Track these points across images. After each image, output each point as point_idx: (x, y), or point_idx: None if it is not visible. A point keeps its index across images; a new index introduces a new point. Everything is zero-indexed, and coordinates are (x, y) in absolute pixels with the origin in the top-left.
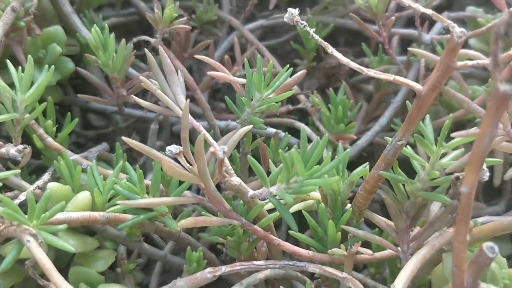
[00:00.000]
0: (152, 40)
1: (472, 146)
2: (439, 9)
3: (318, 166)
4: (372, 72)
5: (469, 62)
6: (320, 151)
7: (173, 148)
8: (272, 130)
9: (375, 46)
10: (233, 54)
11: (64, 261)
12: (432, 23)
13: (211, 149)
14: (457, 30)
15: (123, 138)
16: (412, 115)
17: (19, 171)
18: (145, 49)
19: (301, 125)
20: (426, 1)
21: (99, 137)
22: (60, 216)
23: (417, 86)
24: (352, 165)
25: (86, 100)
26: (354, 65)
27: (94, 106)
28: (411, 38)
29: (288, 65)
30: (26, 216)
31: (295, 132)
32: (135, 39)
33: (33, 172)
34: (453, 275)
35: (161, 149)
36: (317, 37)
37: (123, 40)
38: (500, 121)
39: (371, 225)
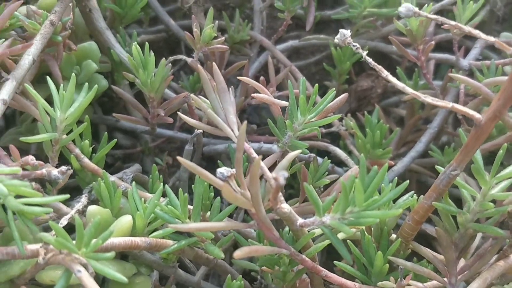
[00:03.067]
0: (188, 59)
1: None
2: (466, 37)
3: (376, 197)
4: (429, 99)
5: None
6: (380, 180)
7: (224, 171)
8: (305, 155)
9: (405, 70)
10: (263, 74)
11: None
12: (467, 49)
13: (272, 174)
14: None
15: (179, 158)
16: (469, 145)
17: (68, 196)
18: (198, 66)
19: (336, 149)
20: (466, 25)
21: (126, 156)
22: (104, 242)
23: (477, 115)
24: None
25: (119, 119)
26: (409, 90)
27: (122, 125)
28: (443, 63)
29: (333, 89)
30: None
31: (324, 156)
32: (171, 58)
33: (63, 191)
34: None
35: None
36: (370, 60)
37: (163, 60)
38: None
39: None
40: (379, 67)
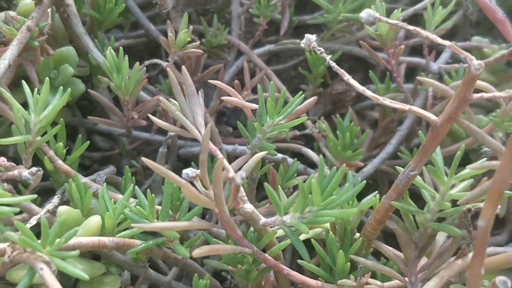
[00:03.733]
0: (164, 63)
1: (492, 179)
2: (443, 38)
3: (334, 196)
4: (387, 101)
5: (485, 95)
6: (337, 181)
7: (190, 172)
8: (279, 156)
9: (380, 73)
10: (241, 77)
11: (68, 286)
12: (438, 52)
13: (229, 174)
14: (475, 62)
15: (143, 159)
16: (426, 146)
17: (35, 196)
18: (168, 69)
19: (308, 151)
20: (435, 31)
21: (104, 159)
22: (71, 241)
23: (432, 117)
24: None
25: (95, 122)
26: (369, 93)
27: (100, 127)
28: (416, 66)
29: (300, 92)
30: (39, 241)
31: (299, 157)
32: (146, 62)
33: (38, 193)
34: None
35: None
36: (333, 64)
37: (137, 64)
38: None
39: (375, 254)
40: (341, 71)
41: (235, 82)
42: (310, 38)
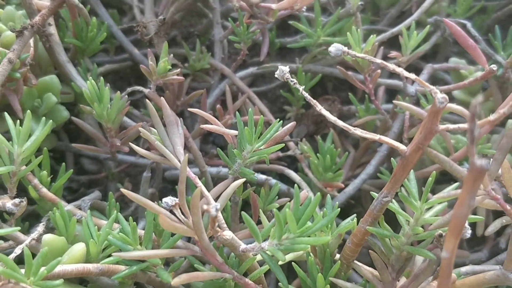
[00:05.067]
0: (146, 90)
1: (452, 213)
2: (424, 57)
3: (310, 223)
4: (358, 131)
5: (451, 126)
6: (313, 209)
7: (169, 200)
8: (262, 177)
9: (362, 93)
10: (224, 99)
11: None
12: (417, 74)
13: (205, 206)
14: (439, 96)
15: (121, 189)
16: (397, 173)
17: (19, 228)
18: (147, 101)
19: (291, 172)
20: (412, 54)
21: (91, 182)
22: (56, 269)
23: (401, 147)
24: (340, 211)
25: (79, 149)
26: (341, 123)
27: (87, 152)
28: (394, 89)
29: (279, 119)
30: (23, 271)
31: (285, 178)
32: (129, 89)
33: (25, 219)
34: None
35: (153, 196)
36: (306, 94)
37: (118, 93)
38: (482, 183)
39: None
40: (313, 102)
41: (217, 107)
42: (284, 70)
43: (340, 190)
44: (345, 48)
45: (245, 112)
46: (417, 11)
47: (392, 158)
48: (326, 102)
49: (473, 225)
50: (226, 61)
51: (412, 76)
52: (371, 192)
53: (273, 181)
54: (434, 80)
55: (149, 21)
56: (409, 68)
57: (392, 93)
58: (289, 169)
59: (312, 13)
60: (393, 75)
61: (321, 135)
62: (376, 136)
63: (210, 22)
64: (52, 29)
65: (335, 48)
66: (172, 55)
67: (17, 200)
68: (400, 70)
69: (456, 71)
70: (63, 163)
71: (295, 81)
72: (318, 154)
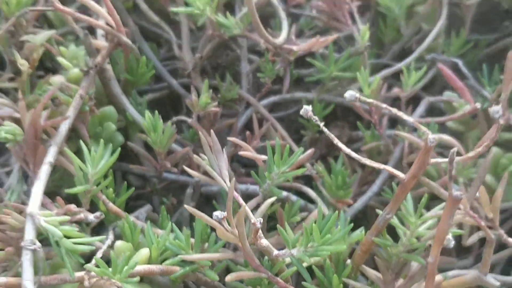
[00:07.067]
0: (189, 120)
1: (436, 229)
2: (423, 88)
3: (329, 235)
4: (367, 161)
5: (440, 160)
6: (332, 224)
7: (219, 214)
8: (284, 193)
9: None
10: (250, 125)
11: None
12: (416, 103)
13: (252, 220)
14: (430, 137)
15: (186, 207)
16: (397, 196)
17: (104, 237)
18: (201, 137)
19: (308, 190)
20: (413, 87)
21: (138, 196)
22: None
23: (401, 175)
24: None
25: (133, 168)
26: (348, 151)
27: (134, 170)
28: (396, 119)
29: (301, 148)
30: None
31: (301, 194)
32: (175, 119)
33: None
34: None
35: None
36: (325, 130)
37: (169, 123)
38: (463, 204)
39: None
40: (331, 136)
41: (247, 133)
42: (308, 109)
43: (349, 205)
44: (357, 95)
45: (268, 136)
46: (417, 49)
47: (393, 183)
48: (337, 128)
49: (460, 237)
50: (251, 91)
51: (410, 119)
52: (377, 210)
53: (293, 197)
54: (432, 108)
55: (188, 60)
56: (409, 98)
57: (394, 120)
58: (306, 186)
59: (326, 49)
60: (396, 101)
61: (333, 156)
62: (381, 166)
63: (236, 55)
64: (107, 65)
65: (349, 95)
66: (210, 92)
67: (98, 214)
68: (401, 114)
69: (449, 103)
70: (125, 182)
71: (317, 118)
72: (331, 175)
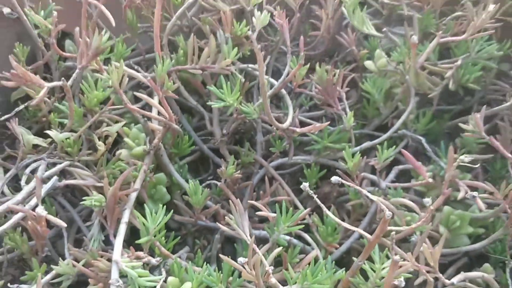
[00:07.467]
0: (218, 183)
1: (385, 279)
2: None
3: (319, 276)
4: (348, 226)
5: (400, 229)
6: (321, 268)
7: (242, 260)
8: (287, 237)
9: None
10: (262, 183)
11: None
12: (390, 166)
13: (266, 267)
14: (387, 213)
15: (222, 257)
16: (366, 249)
17: (163, 275)
18: (230, 201)
19: (305, 236)
20: (386, 160)
21: (175, 236)
22: None
23: (368, 236)
24: (337, 263)
25: (176, 217)
26: (328, 212)
27: (172, 217)
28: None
29: (302, 209)
30: None
31: (300, 237)
32: (208, 182)
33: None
34: None
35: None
36: (320, 203)
37: (206, 190)
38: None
39: None
40: (324, 209)
41: (261, 193)
42: (305, 185)
43: (336, 248)
44: (341, 179)
45: (276, 193)
46: (394, 125)
47: (365, 240)
48: (329, 185)
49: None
50: (263, 155)
51: (380, 201)
52: (353, 257)
53: (295, 241)
54: (402, 172)
55: (217, 133)
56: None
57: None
58: (305, 231)
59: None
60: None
61: (327, 206)
62: (352, 227)
63: (252, 124)
64: (160, 144)
65: (335, 179)
66: (235, 163)
67: (158, 258)
68: (375, 198)
69: (414, 170)
70: (173, 232)
71: (312, 192)
72: (324, 225)
